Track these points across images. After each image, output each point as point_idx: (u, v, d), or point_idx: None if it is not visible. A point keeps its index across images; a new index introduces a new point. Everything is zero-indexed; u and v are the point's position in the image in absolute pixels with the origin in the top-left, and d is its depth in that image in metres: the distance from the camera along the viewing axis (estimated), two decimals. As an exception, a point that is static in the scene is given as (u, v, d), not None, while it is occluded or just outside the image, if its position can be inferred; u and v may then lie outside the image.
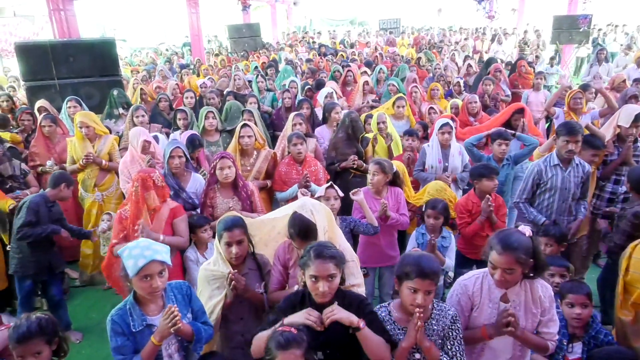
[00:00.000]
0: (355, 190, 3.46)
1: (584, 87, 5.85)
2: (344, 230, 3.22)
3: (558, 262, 2.93)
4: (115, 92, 6.11)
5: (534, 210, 3.70)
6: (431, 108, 5.80)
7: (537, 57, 11.41)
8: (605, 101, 5.71)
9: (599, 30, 16.96)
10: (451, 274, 4.21)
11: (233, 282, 2.53)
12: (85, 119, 4.75)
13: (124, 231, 3.30)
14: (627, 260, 2.47)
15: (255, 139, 4.40)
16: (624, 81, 6.72)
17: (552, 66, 11.47)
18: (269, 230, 2.97)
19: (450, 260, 3.60)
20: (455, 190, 4.43)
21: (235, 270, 2.59)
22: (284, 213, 2.79)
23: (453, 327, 2.15)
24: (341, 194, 3.39)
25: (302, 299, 2.17)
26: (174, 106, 6.56)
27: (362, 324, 2.02)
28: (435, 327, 2.15)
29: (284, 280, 2.77)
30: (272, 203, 4.63)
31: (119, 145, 5.07)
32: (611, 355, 2.13)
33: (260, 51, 14.10)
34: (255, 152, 4.45)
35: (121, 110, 6.12)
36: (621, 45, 14.70)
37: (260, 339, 2.07)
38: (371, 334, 2.03)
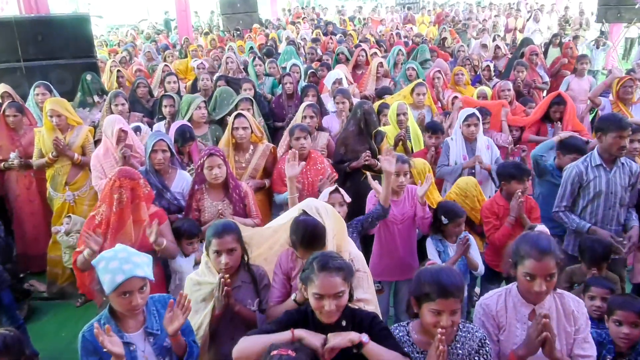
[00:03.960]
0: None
1: (628, 73, 5.83)
2: (352, 237, 3.22)
3: (601, 283, 2.92)
4: (88, 77, 6.14)
5: (576, 217, 3.68)
6: (455, 97, 5.80)
7: (576, 37, 11.35)
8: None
9: (654, 6, 16.85)
10: (478, 289, 4.22)
11: (224, 289, 2.51)
12: (57, 106, 4.77)
13: None
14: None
15: (252, 131, 4.41)
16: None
17: (597, 47, 11.42)
18: (270, 245, 2.98)
19: (481, 265, 3.62)
20: (484, 189, 4.39)
21: (227, 278, 2.56)
22: (285, 220, 2.79)
23: (481, 351, 2.15)
24: (348, 199, 3.37)
25: (305, 318, 2.17)
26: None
27: (364, 338, 2.02)
28: (460, 352, 2.15)
29: (287, 291, 2.76)
30: (271, 206, 4.63)
31: (93, 137, 5.09)
32: None
33: (258, 29, 14.13)
34: (251, 147, 4.47)
35: (96, 98, 6.15)
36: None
37: (253, 344, 2.06)
38: (380, 349, 2.03)
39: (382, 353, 2.02)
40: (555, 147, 4.30)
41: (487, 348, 2.17)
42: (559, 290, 2.30)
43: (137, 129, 4.93)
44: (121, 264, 2.15)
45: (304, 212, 2.70)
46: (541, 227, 2.85)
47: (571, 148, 4.10)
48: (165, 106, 5.39)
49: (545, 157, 4.31)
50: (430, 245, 3.68)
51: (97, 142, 4.96)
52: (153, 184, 3.74)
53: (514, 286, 2.32)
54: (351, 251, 2.81)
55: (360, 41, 10.58)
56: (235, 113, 4.47)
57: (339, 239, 2.67)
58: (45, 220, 5.05)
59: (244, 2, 14.97)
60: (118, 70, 7.40)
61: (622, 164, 3.61)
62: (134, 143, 4.49)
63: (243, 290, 2.73)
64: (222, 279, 2.52)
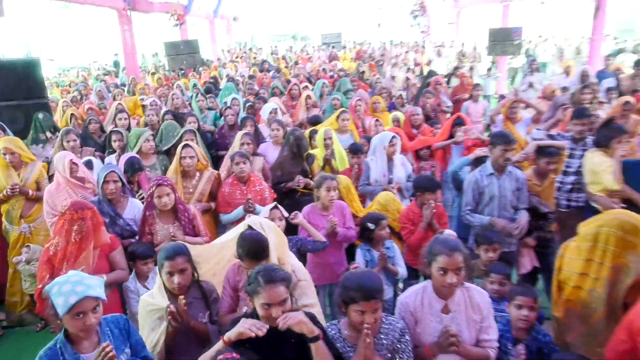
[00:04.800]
0: (294, 213, 3.52)
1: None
2: (291, 250, 3.25)
3: (498, 270, 3.09)
4: (40, 116, 5.85)
5: (478, 215, 3.86)
6: (377, 120, 5.99)
7: (471, 68, 12.06)
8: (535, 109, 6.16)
9: (530, 42, 18.18)
10: (401, 285, 4.34)
11: (170, 317, 2.45)
12: (10, 144, 4.53)
13: (52, 270, 3.09)
14: (560, 260, 2.66)
15: (198, 160, 4.37)
16: (554, 91, 7.25)
17: (489, 76, 12.19)
18: (217, 260, 2.95)
19: (402, 269, 3.71)
20: (402, 200, 4.57)
21: (183, 298, 2.51)
22: (232, 236, 2.78)
23: (402, 339, 2.23)
24: (286, 214, 3.43)
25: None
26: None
27: (321, 334, 2.05)
28: (384, 342, 2.21)
29: (235, 303, 2.76)
30: (217, 226, 4.59)
31: (47, 172, 4.85)
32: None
33: (201, 68, 13.99)
34: (197, 174, 4.41)
35: (48, 134, 5.87)
36: (552, 55, 15.84)
37: None
38: (325, 349, 2.06)
39: (327, 354, 2.05)
40: (469, 163, 4.45)
41: (407, 337, 2.25)
42: (466, 284, 2.41)
43: (88, 163, 4.75)
44: (74, 286, 2.06)
45: (250, 227, 2.71)
46: (448, 231, 2.99)
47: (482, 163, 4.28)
48: (115, 141, 5.26)
49: (460, 173, 4.48)
50: (359, 255, 3.76)
51: (51, 178, 4.74)
52: (106, 212, 3.63)
53: (429, 284, 2.40)
54: (292, 263, 2.83)
55: (292, 77, 10.72)
56: (182, 144, 4.42)
57: (281, 252, 2.69)
58: (1, 252, 4.74)
59: (187, 44, 14.78)
60: (71, 110, 7.10)
61: (510, 172, 3.84)
62: (85, 175, 4.33)
63: (195, 305, 2.68)
64: (170, 307, 2.45)
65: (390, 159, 4.69)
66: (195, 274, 2.71)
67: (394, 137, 4.69)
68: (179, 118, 6.43)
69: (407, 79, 9.42)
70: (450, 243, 2.30)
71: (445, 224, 3.91)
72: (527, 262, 3.90)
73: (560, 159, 4.05)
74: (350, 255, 3.96)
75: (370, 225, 3.62)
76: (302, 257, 3.59)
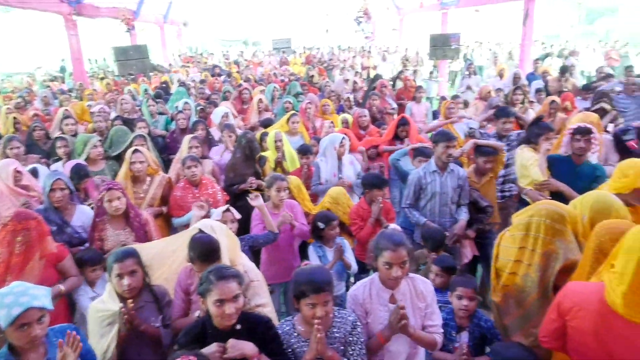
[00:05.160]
0: (254, 194, 3.46)
1: (453, 98, 6.48)
2: (244, 249, 3.20)
3: (440, 262, 3.15)
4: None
5: (416, 212, 3.97)
6: (331, 123, 6.01)
7: (414, 72, 12.37)
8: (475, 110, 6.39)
9: (467, 47, 18.85)
10: (352, 280, 4.37)
11: (126, 317, 2.38)
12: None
13: None
14: (497, 248, 2.77)
15: (148, 164, 4.23)
16: (489, 92, 7.56)
17: (431, 79, 12.54)
18: (169, 264, 2.87)
19: (353, 263, 3.74)
20: (352, 197, 4.60)
21: (131, 302, 2.43)
22: (182, 240, 2.71)
23: (354, 332, 2.24)
24: (238, 216, 3.37)
25: (203, 328, 2.11)
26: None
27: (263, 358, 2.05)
28: (337, 335, 2.22)
29: (187, 306, 2.69)
30: (170, 230, 4.45)
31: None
32: (502, 348, 2.33)
33: (152, 73, 13.56)
34: (148, 178, 4.27)
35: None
36: (487, 59, 16.50)
37: None
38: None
39: None
40: (406, 153, 4.64)
41: (359, 329, 2.27)
42: (410, 275, 2.46)
43: (34, 171, 4.49)
44: (17, 297, 1.93)
45: (201, 230, 2.65)
46: (393, 226, 3.03)
47: (419, 153, 4.51)
48: (60, 147, 5.00)
49: (401, 161, 4.62)
50: (311, 252, 3.77)
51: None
52: (53, 220, 3.45)
53: (376, 276, 2.43)
54: (244, 264, 2.80)
55: (243, 81, 10.59)
56: (132, 149, 4.26)
57: (232, 253, 2.65)
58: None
59: (136, 49, 14.27)
60: (14, 117, 6.68)
61: (452, 170, 3.95)
62: (30, 183, 4.09)
63: (147, 309, 2.58)
64: (123, 309, 2.36)
65: (339, 159, 4.72)
66: (147, 278, 2.63)
67: (343, 138, 4.74)
68: (129, 123, 6.20)
69: (355, 82, 9.54)
70: (395, 238, 2.33)
71: (392, 219, 3.98)
72: (468, 252, 4.03)
73: (496, 158, 4.14)
74: (303, 254, 3.95)
75: (320, 225, 3.63)
76: (256, 258, 3.56)
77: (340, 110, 7.53)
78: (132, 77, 13.09)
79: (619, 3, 24.88)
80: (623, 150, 4.51)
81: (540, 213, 2.53)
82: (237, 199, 4.54)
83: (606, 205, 2.56)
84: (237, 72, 13.91)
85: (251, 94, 7.98)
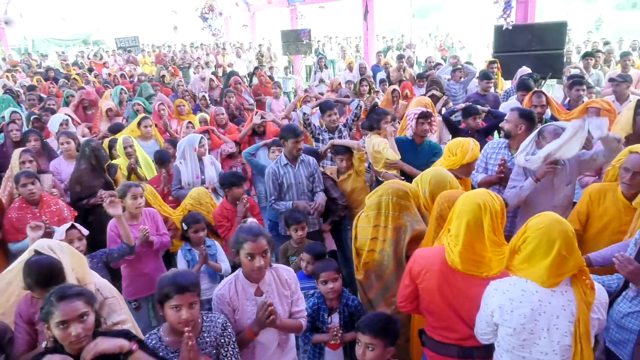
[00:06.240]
0: (110, 200, 3.22)
1: (306, 91, 6.77)
2: (96, 267, 2.95)
3: (311, 249, 3.25)
4: None
5: (282, 203, 4.02)
6: (189, 123, 5.79)
7: (271, 67, 12.56)
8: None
9: (319, 41, 19.68)
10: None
11: None
12: None
13: None
14: (355, 230, 2.97)
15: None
16: (340, 84, 8.02)
17: (286, 74, 12.84)
18: (7, 298, 2.51)
19: (225, 264, 3.67)
20: (217, 199, 4.51)
21: None
22: (18, 268, 2.38)
23: (225, 333, 2.21)
24: (86, 232, 3.07)
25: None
26: None
27: (134, 346, 1.90)
28: (207, 339, 2.17)
29: (33, 339, 2.38)
30: (8, 257, 3.87)
31: None
32: (369, 318, 2.50)
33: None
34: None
35: None
36: (337, 53, 17.43)
37: None
38: (147, 356, 1.94)
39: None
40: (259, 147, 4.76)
41: (229, 329, 2.25)
42: (273, 265, 2.50)
43: None
44: None
45: (37, 252, 2.36)
46: (251, 220, 3.06)
47: (274, 143, 4.63)
48: None
49: (255, 154, 4.73)
50: (180, 257, 3.63)
51: None
52: None
53: (240, 272, 2.43)
54: (96, 282, 2.56)
55: (85, 84, 9.63)
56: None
57: (79, 272, 2.40)
58: None
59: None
60: None
61: (303, 160, 4.05)
62: None
63: (-15, 350, 2.23)
64: None
65: (200, 160, 4.59)
66: None
67: (202, 137, 4.62)
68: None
69: (212, 80, 9.32)
70: (253, 229, 2.35)
71: (257, 214, 4.00)
72: (329, 243, 4.24)
73: (350, 156, 4.18)
74: (170, 264, 3.78)
75: (184, 226, 3.52)
76: (113, 273, 3.29)
77: (196, 109, 7.31)
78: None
79: (445, 1, 28.15)
80: (453, 130, 5.17)
81: (387, 192, 2.79)
82: (88, 214, 4.15)
83: (441, 179, 2.90)
84: (78, 74, 12.58)
85: (95, 99, 7.29)
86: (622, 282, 2.53)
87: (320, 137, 4.86)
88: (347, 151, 4.19)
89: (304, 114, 4.85)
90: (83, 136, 5.59)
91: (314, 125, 4.90)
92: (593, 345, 2.02)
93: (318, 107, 5.49)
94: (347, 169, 4.23)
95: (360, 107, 4.93)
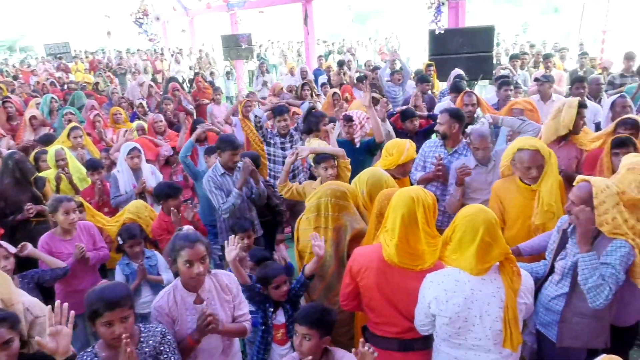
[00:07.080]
0: (21, 245, 3.05)
1: (248, 95, 6.75)
2: (27, 288, 2.79)
3: (254, 255, 3.23)
4: None
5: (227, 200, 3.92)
6: (127, 131, 5.58)
7: (212, 73, 12.39)
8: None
9: (260, 46, 19.62)
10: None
11: None
12: None
13: None
14: (297, 233, 2.99)
15: None
16: (282, 88, 8.04)
17: (228, 79, 12.71)
18: None
19: (168, 275, 3.55)
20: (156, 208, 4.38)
21: None
22: None
23: (164, 341, 2.15)
24: (13, 250, 2.89)
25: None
26: None
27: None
28: (146, 349, 2.10)
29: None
30: None
31: None
32: (305, 309, 2.51)
33: None
34: None
35: None
36: (279, 58, 17.44)
37: None
38: None
39: None
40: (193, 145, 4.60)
41: (169, 336, 2.18)
42: (212, 271, 2.46)
43: None
44: None
45: None
46: (187, 227, 3.00)
47: (211, 150, 4.48)
48: None
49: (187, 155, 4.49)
50: (117, 272, 3.48)
51: None
52: None
53: (178, 282, 2.37)
54: (24, 301, 2.42)
55: (10, 93, 9.04)
56: None
57: (4, 292, 2.26)
58: None
59: None
60: None
61: (239, 167, 3.95)
62: None
63: None
64: None
65: (136, 170, 4.44)
66: None
67: (134, 148, 4.46)
68: None
69: (150, 86, 9.06)
70: (190, 236, 2.32)
71: (199, 220, 3.92)
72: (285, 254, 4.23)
73: (334, 164, 3.68)
74: (105, 276, 3.63)
75: (119, 240, 3.39)
76: (45, 292, 3.11)
77: (134, 117, 7.06)
78: None
79: (384, 6, 28.98)
80: (396, 132, 5.33)
81: (326, 193, 2.83)
82: (15, 230, 3.91)
83: (377, 179, 3.00)
84: (3, 82, 11.78)
85: (19, 108, 6.87)
86: (548, 268, 2.71)
87: (272, 142, 4.84)
88: (331, 158, 3.66)
89: (256, 116, 4.81)
90: (8, 149, 5.24)
91: (266, 129, 4.87)
92: (521, 329, 2.15)
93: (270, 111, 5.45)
94: (336, 177, 3.60)
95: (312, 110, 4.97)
